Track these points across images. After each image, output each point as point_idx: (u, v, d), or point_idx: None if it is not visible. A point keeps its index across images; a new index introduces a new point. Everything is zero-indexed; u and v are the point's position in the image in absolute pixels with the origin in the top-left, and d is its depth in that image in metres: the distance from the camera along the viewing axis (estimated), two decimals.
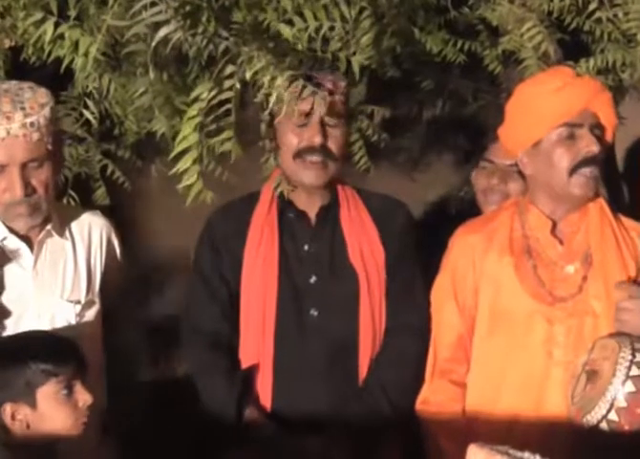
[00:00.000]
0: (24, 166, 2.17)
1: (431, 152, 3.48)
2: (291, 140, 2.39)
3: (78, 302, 2.35)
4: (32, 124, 2.14)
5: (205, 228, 2.53)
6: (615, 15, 2.49)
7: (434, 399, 2.39)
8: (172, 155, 1.97)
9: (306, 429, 2.35)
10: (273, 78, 1.91)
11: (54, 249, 2.35)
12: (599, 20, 2.51)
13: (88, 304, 2.38)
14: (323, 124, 2.36)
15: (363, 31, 2.32)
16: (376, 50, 2.40)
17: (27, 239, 2.31)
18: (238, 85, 1.95)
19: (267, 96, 2.01)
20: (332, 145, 2.39)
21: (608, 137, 2.28)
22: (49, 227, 2.32)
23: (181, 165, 1.95)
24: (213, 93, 1.94)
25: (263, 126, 2.43)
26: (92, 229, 2.44)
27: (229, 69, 1.96)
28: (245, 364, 2.41)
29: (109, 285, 2.45)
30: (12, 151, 2.14)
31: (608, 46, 2.54)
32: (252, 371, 2.41)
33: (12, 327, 2.26)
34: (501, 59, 2.67)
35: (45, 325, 2.28)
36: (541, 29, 2.45)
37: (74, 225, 2.41)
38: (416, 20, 2.58)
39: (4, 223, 2.27)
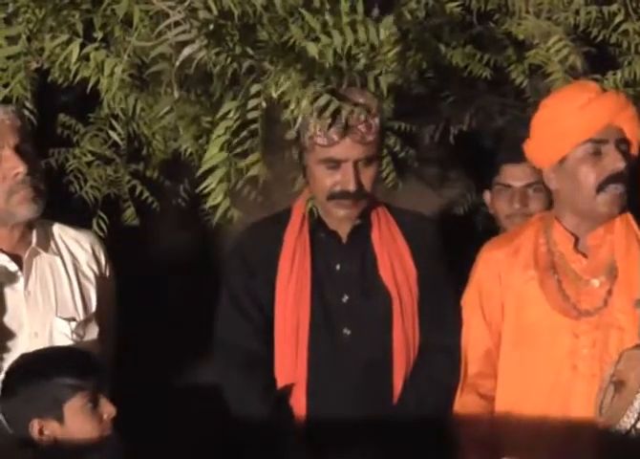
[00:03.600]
0: (17, 149, 2.22)
1: (457, 167, 3.48)
2: (324, 180, 2.33)
3: (74, 319, 2.33)
4: (12, 111, 2.24)
5: (236, 247, 2.51)
6: None
7: (463, 412, 2.39)
8: (198, 173, 1.96)
9: (341, 448, 2.34)
10: (300, 99, 1.90)
11: (44, 266, 2.35)
12: (625, 32, 2.51)
13: (85, 322, 2.36)
14: (356, 166, 2.30)
15: (389, 47, 2.32)
16: (402, 65, 2.40)
17: (16, 259, 2.31)
18: (264, 104, 1.93)
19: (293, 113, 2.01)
20: (366, 184, 2.33)
21: (634, 151, 2.26)
22: (33, 244, 2.32)
23: (207, 184, 1.93)
24: (240, 111, 1.92)
25: (295, 153, 2.39)
26: (80, 245, 2.44)
27: (255, 88, 1.94)
28: (279, 384, 2.40)
29: (103, 310, 2.43)
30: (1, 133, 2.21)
31: (635, 58, 2.52)
32: (287, 390, 2.39)
33: (10, 348, 2.26)
34: (527, 73, 2.66)
35: (43, 344, 2.26)
36: (567, 42, 2.44)
37: (60, 240, 2.42)
38: (441, 36, 2.58)
39: None
